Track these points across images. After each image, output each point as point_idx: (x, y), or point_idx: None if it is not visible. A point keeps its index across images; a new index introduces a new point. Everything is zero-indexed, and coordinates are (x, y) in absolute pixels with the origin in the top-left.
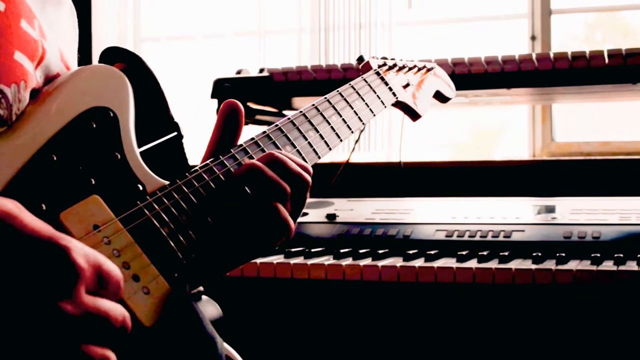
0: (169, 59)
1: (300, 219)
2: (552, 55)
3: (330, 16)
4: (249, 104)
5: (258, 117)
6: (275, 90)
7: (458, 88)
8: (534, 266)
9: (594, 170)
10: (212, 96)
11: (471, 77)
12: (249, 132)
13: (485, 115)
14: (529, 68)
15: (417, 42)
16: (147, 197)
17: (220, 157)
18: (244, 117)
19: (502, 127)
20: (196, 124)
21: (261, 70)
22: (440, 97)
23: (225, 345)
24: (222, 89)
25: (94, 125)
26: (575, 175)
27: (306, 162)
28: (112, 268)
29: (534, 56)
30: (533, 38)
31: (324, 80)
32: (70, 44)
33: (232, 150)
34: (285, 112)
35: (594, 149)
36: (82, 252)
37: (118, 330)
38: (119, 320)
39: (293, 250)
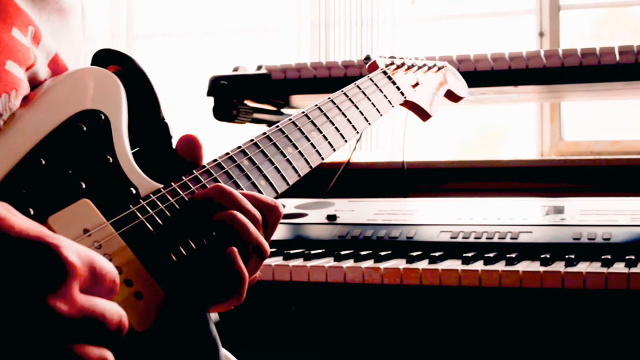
0: (163, 56)
1: (299, 220)
2: (560, 52)
3: (330, 11)
4: (246, 102)
5: (256, 115)
6: (274, 88)
7: None
8: (542, 268)
9: (604, 170)
10: (209, 94)
11: (477, 74)
12: (247, 132)
13: (491, 113)
14: (537, 65)
15: (421, 39)
16: (140, 200)
17: (218, 159)
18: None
19: (509, 126)
20: (192, 122)
21: (259, 68)
22: (452, 96)
23: (223, 350)
24: (219, 86)
25: (84, 129)
26: (584, 175)
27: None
28: (106, 264)
29: (542, 53)
30: (541, 34)
31: (324, 78)
32: (76, 53)
33: (230, 151)
34: (283, 110)
35: (604, 148)
36: (74, 250)
37: (114, 330)
38: (114, 320)
39: (292, 252)
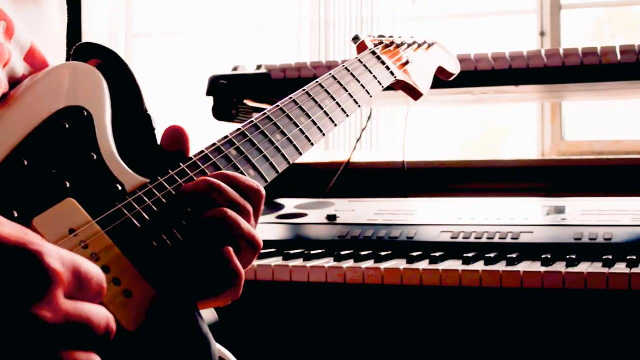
0: (163, 56)
1: (299, 220)
2: (562, 51)
3: (330, 10)
4: (246, 101)
5: (256, 115)
6: (273, 87)
7: (464, 85)
8: (543, 269)
9: (606, 170)
10: (208, 94)
11: (478, 74)
12: None
13: (492, 113)
14: (538, 65)
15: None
16: (127, 196)
17: (205, 150)
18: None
19: (510, 126)
20: (191, 122)
21: (258, 67)
22: (443, 73)
23: (223, 350)
24: (218, 86)
25: (67, 126)
26: (586, 175)
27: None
28: (92, 268)
29: (543, 52)
30: (542, 34)
31: None
32: (55, 39)
33: (217, 142)
34: None
35: (605, 147)
36: (57, 255)
37: (102, 334)
38: (102, 325)
39: (292, 252)
